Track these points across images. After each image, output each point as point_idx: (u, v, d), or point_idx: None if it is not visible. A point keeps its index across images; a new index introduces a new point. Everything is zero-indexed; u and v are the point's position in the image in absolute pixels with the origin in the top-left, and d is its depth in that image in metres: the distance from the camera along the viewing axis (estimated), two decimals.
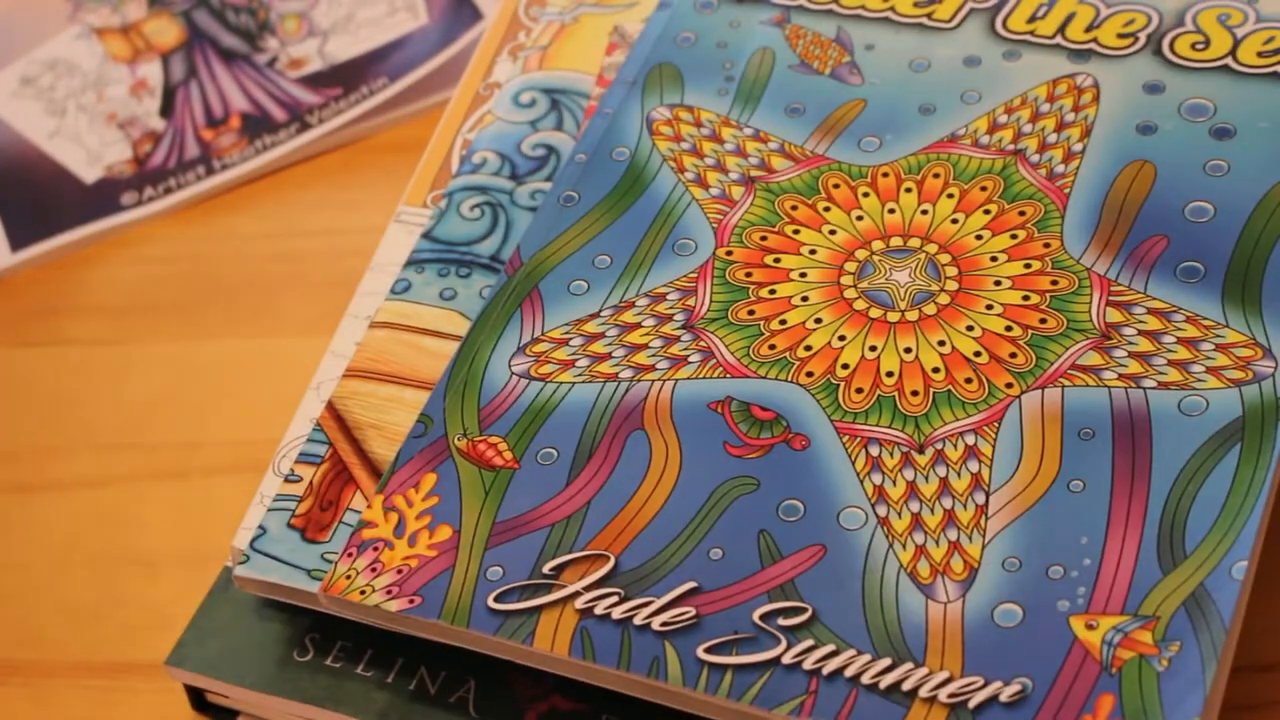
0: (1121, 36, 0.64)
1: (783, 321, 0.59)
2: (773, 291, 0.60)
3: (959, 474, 0.55)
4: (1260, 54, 0.63)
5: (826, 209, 0.62)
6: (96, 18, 0.84)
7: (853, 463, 0.55)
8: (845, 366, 0.58)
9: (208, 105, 0.81)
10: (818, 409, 0.57)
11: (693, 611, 0.53)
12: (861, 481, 0.55)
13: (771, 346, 0.59)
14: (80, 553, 0.68)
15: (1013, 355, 0.57)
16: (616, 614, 0.53)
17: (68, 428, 0.72)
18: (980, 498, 0.54)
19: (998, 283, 0.59)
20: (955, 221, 0.61)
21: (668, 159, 0.64)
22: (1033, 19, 0.65)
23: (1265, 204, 0.59)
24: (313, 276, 0.76)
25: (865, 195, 0.62)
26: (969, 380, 0.57)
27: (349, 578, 0.55)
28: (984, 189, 0.61)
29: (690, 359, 0.59)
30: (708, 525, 0.55)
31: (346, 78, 0.81)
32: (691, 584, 0.54)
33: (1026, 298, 0.58)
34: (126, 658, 0.64)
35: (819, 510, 0.55)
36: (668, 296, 0.60)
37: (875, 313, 0.59)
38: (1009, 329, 0.58)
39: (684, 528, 0.55)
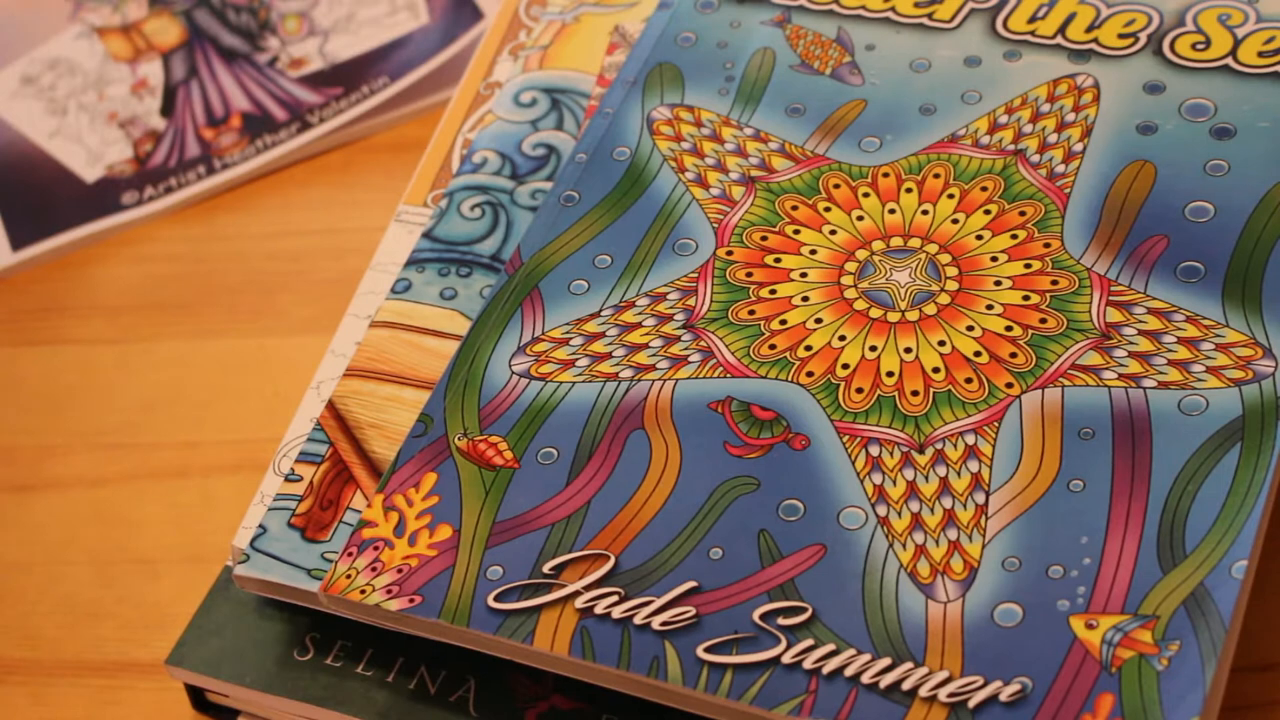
0: (1122, 37, 0.64)
1: (783, 321, 0.59)
2: (773, 291, 0.60)
3: (959, 474, 0.55)
4: (1260, 54, 0.63)
5: (827, 209, 0.62)
6: (97, 17, 0.84)
7: (853, 462, 0.55)
8: (845, 366, 0.58)
9: (208, 104, 0.81)
10: (818, 409, 0.57)
11: (693, 611, 0.53)
12: (861, 481, 0.55)
13: (772, 346, 0.59)
14: (80, 552, 0.68)
15: (1013, 355, 0.57)
16: (616, 613, 0.53)
17: (67, 427, 0.72)
18: (980, 497, 0.54)
19: (998, 283, 0.59)
20: (956, 222, 0.61)
21: (668, 159, 0.64)
22: (1033, 19, 0.65)
23: (1265, 204, 0.59)
24: (313, 276, 0.76)
25: (866, 195, 0.62)
26: (969, 380, 0.57)
27: (349, 577, 0.55)
28: (984, 189, 0.61)
29: (690, 359, 0.59)
30: (708, 525, 0.55)
31: (347, 77, 0.81)
32: (691, 583, 0.54)
33: (1027, 298, 0.58)
34: (126, 657, 0.64)
35: (819, 510, 0.55)
36: (668, 296, 0.60)
37: (875, 313, 0.59)
38: (1009, 329, 0.58)
39: (684, 527, 0.55)
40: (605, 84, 0.68)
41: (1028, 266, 0.59)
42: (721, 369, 0.58)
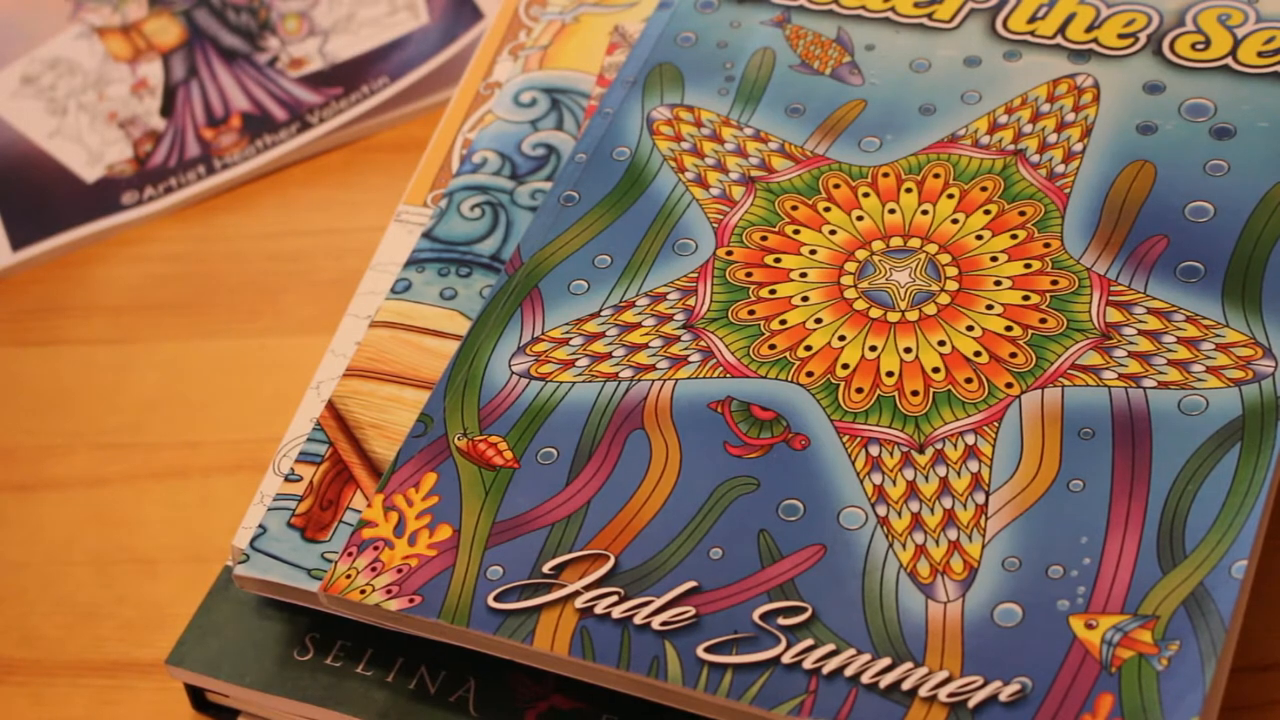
0: (1122, 37, 0.64)
1: (783, 321, 0.59)
2: (773, 291, 0.60)
3: (959, 474, 0.55)
4: (1260, 54, 0.63)
5: (827, 209, 0.62)
6: (97, 17, 0.84)
7: (853, 462, 0.55)
8: (845, 366, 0.58)
9: (208, 104, 0.81)
10: (818, 409, 0.57)
11: (693, 611, 0.53)
12: (861, 481, 0.55)
13: (772, 346, 0.59)
14: (80, 552, 0.68)
15: (1013, 355, 0.57)
16: (616, 613, 0.53)
17: (67, 427, 0.72)
18: (980, 497, 0.54)
19: (998, 283, 0.59)
20: (955, 221, 0.61)
21: (668, 159, 0.64)
22: (1033, 19, 0.65)
23: (1265, 204, 0.59)
24: (313, 276, 0.76)
25: (865, 195, 0.62)
26: (969, 380, 0.57)
27: (349, 577, 0.55)
28: (984, 189, 0.61)
29: (690, 359, 0.59)
30: (708, 525, 0.55)
31: (347, 77, 0.81)
32: (691, 583, 0.54)
33: (1027, 298, 0.58)
34: (126, 657, 0.64)
35: (819, 510, 0.55)
36: (668, 296, 0.60)
37: (875, 313, 0.59)
38: (1009, 329, 0.58)
39: (684, 527, 0.55)
40: (605, 84, 0.68)
41: (1028, 266, 0.59)
42: (721, 369, 0.58)
